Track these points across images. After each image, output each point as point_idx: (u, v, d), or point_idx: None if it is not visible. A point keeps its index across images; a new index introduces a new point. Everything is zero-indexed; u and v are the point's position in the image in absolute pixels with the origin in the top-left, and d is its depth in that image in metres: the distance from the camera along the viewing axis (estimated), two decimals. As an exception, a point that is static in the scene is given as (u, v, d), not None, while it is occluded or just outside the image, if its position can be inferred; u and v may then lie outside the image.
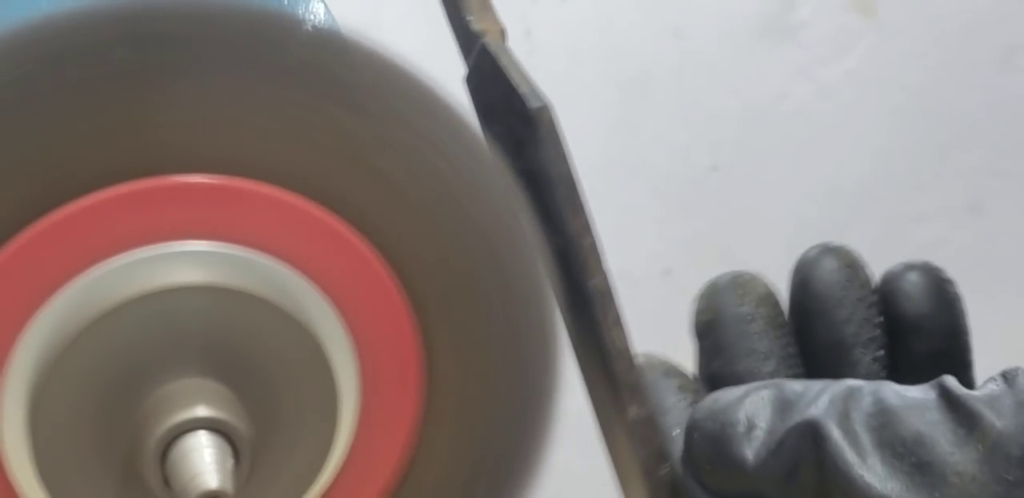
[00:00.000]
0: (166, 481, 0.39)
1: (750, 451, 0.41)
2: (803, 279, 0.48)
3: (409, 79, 0.43)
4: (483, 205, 0.44)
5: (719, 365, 0.47)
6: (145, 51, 0.41)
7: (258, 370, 0.41)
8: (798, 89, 1.34)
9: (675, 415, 0.45)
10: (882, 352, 0.48)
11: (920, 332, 0.47)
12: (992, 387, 0.40)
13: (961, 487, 0.39)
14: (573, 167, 0.43)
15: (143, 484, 0.40)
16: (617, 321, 0.42)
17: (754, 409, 0.42)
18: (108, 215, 0.40)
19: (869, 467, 0.40)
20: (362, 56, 0.43)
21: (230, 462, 0.39)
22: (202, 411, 0.40)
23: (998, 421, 0.39)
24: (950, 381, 0.41)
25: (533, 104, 0.44)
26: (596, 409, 0.44)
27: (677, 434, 0.45)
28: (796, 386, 0.42)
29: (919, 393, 0.41)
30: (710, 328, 0.47)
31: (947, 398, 0.40)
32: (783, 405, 0.42)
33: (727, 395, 0.43)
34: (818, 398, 0.41)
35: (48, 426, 0.40)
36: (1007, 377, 0.41)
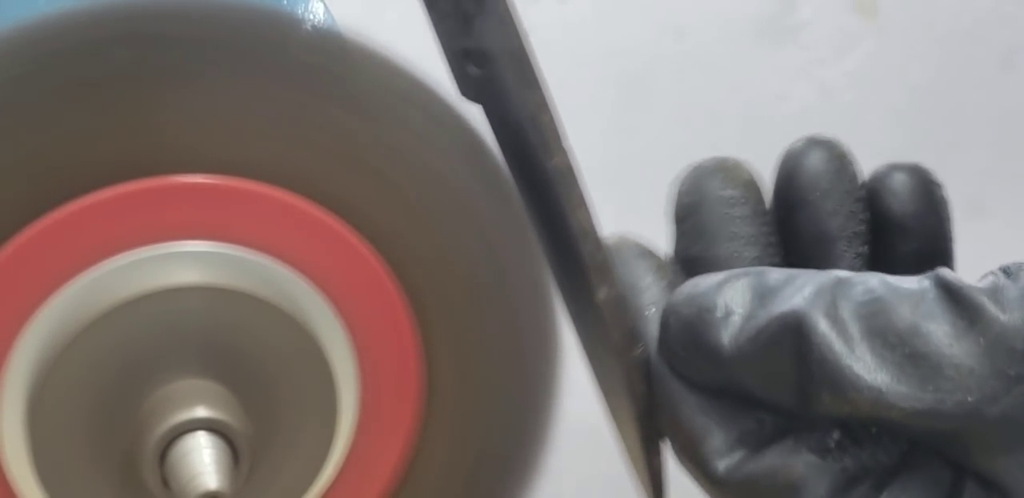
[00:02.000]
0: (165, 482, 0.39)
1: (726, 337, 0.39)
2: (790, 170, 0.45)
3: (409, 79, 0.43)
4: (482, 205, 0.44)
5: (699, 249, 0.44)
6: (145, 51, 0.41)
7: (257, 370, 0.41)
8: (799, 90, 1.34)
9: (651, 295, 0.43)
10: (866, 248, 0.45)
11: (905, 232, 0.45)
12: (993, 280, 0.38)
13: (958, 381, 0.36)
14: (527, 41, 0.39)
15: (142, 485, 0.40)
16: (582, 201, 0.40)
17: (733, 295, 0.40)
18: (108, 215, 0.40)
19: (858, 357, 0.37)
20: (362, 56, 0.43)
21: (229, 463, 0.39)
22: (201, 412, 0.40)
23: (1002, 314, 0.37)
24: (947, 272, 0.38)
25: None
26: (563, 294, 0.41)
27: (652, 313, 0.42)
28: (779, 274, 0.40)
29: (914, 284, 0.38)
30: (692, 210, 0.45)
31: (945, 289, 0.38)
32: (764, 292, 0.39)
33: (707, 280, 0.41)
34: (803, 287, 0.39)
35: (47, 427, 0.40)
36: (1008, 272, 0.38)
